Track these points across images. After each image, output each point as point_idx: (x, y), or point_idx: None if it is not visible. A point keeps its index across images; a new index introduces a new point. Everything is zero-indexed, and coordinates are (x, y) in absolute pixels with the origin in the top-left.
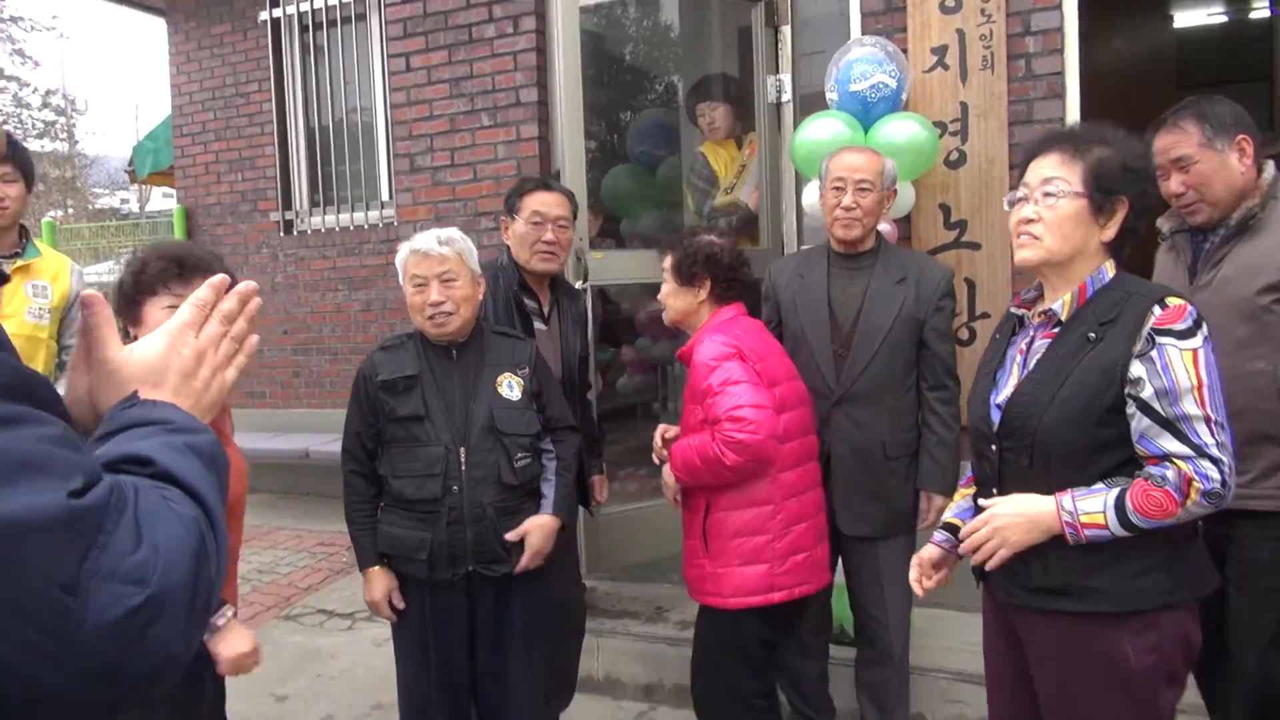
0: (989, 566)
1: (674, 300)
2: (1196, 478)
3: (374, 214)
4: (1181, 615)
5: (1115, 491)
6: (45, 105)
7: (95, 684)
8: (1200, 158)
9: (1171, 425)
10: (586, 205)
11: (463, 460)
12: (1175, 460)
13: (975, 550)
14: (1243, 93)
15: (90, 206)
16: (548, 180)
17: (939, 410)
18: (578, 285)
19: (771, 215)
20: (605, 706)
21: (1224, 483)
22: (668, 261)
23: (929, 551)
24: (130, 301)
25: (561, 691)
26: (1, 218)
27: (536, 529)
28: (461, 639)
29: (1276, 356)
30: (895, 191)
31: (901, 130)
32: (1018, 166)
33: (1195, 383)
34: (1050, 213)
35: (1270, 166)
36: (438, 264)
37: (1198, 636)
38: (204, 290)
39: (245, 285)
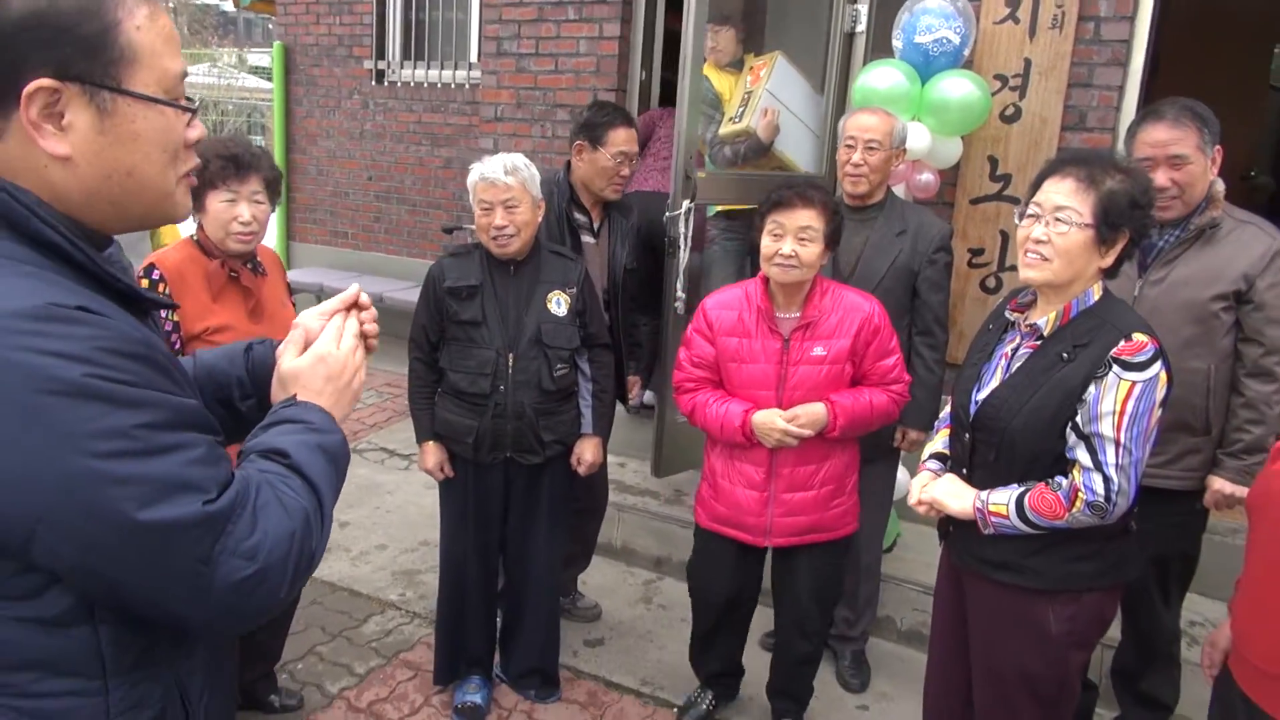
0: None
1: (818, 262)
2: (1084, 489)
3: (461, 74)
4: (1101, 596)
5: (1020, 490)
6: None
7: (221, 622)
8: (1195, 160)
9: (1087, 439)
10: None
11: (510, 365)
12: (1075, 471)
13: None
14: None
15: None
16: (628, 115)
17: (924, 354)
18: (685, 204)
19: (830, 144)
20: (619, 571)
21: (1108, 499)
22: (820, 221)
23: (924, 478)
24: (195, 194)
25: (581, 556)
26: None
27: (589, 449)
28: (496, 509)
29: (1214, 358)
30: (904, 151)
31: (956, 88)
32: (1034, 184)
33: (1118, 409)
34: (1061, 239)
35: (1218, 179)
36: (503, 192)
37: (1113, 612)
38: (334, 303)
39: (362, 298)
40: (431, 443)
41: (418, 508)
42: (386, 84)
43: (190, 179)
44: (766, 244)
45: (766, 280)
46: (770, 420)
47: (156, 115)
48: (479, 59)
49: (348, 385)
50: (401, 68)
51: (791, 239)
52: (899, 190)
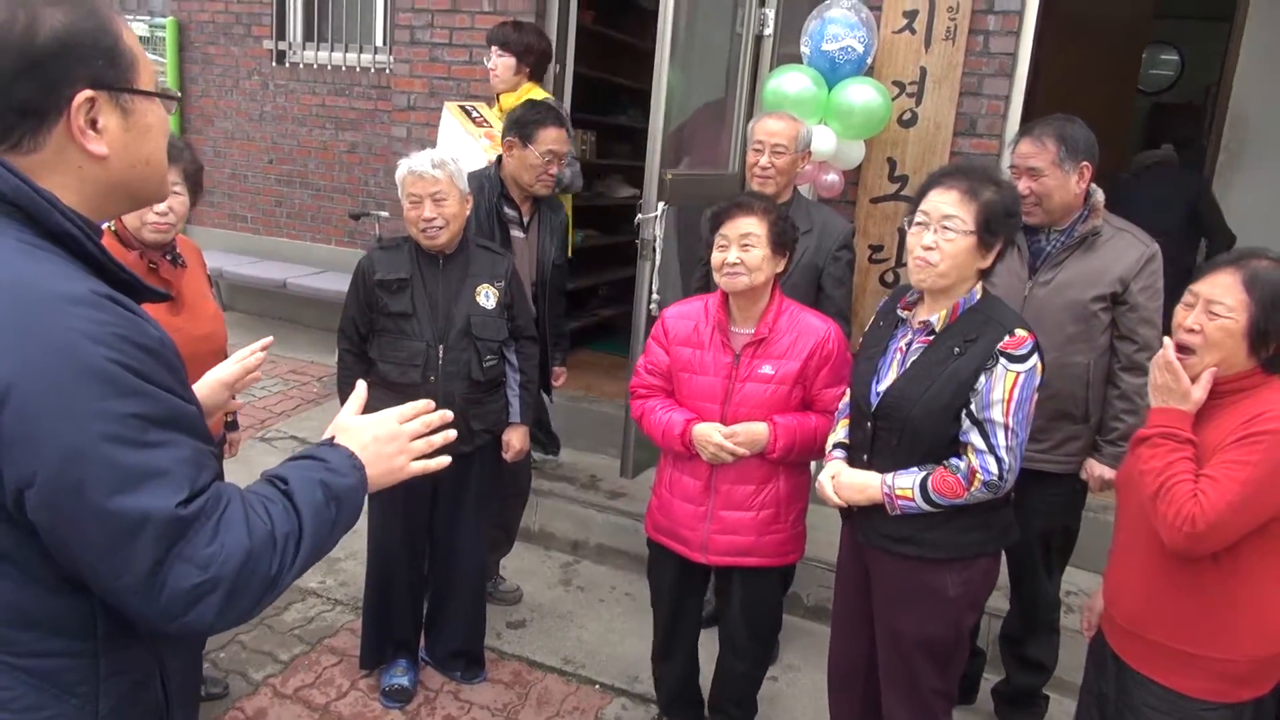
0: (833, 505)
1: (766, 266)
2: (980, 470)
3: (366, 57)
4: (989, 560)
5: (922, 474)
6: None
7: (166, 624)
8: (1049, 173)
9: (979, 424)
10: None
11: (440, 356)
12: (970, 453)
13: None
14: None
15: None
16: (559, 115)
17: None
18: (660, 206)
19: (741, 145)
20: (538, 555)
21: (1001, 477)
22: (761, 226)
23: (834, 466)
24: None
25: (504, 542)
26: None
27: (517, 437)
28: (425, 497)
29: (1093, 353)
30: (810, 153)
31: (860, 94)
32: (918, 195)
33: (1006, 398)
34: (948, 245)
35: (1099, 191)
36: (431, 185)
37: (997, 574)
38: (411, 406)
39: (442, 415)
40: None
41: None
42: (288, 65)
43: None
44: (715, 257)
45: (727, 294)
46: (708, 434)
47: (157, 107)
48: (386, 43)
49: (390, 455)
50: (304, 49)
51: (735, 247)
52: (805, 190)
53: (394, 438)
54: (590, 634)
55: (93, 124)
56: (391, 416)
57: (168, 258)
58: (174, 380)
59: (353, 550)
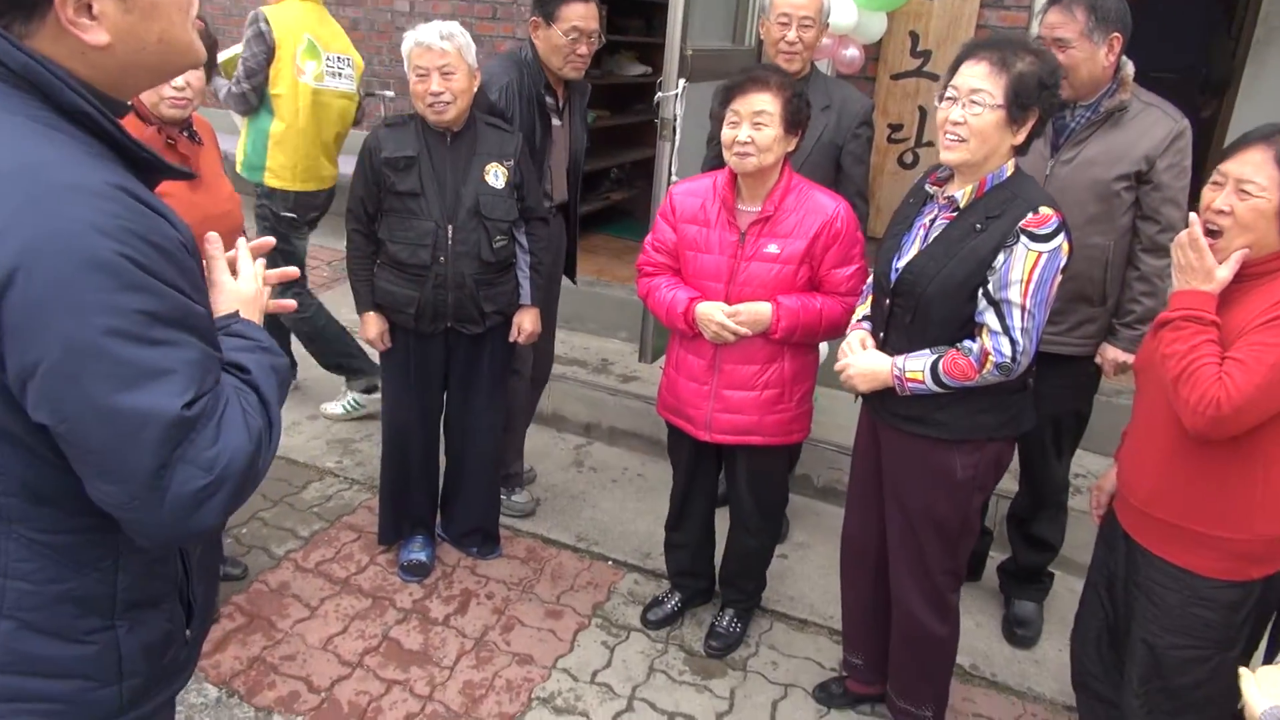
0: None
1: (777, 147)
2: (993, 352)
3: None
4: (1000, 445)
5: (934, 357)
6: None
7: (168, 529)
8: (1077, 45)
9: (996, 304)
10: None
11: (450, 236)
12: (985, 334)
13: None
14: None
15: None
16: None
17: None
18: (680, 83)
19: (751, 17)
20: (551, 436)
21: (1014, 359)
22: (775, 104)
23: (858, 335)
24: None
25: (523, 421)
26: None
27: (528, 319)
28: (438, 378)
29: (1114, 234)
30: (827, 26)
31: None
32: (951, 68)
33: (1025, 278)
34: (976, 120)
35: (1129, 64)
36: (439, 57)
37: (1009, 460)
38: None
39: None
40: (372, 313)
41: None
42: None
43: (199, 22)
44: (725, 133)
45: (735, 172)
46: (710, 313)
47: None
48: None
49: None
50: None
51: (747, 124)
52: (823, 65)
53: (261, 301)
54: (603, 513)
55: (88, 10)
56: (256, 278)
57: (185, 134)
58: (185, 282)
59: (368, 432)
